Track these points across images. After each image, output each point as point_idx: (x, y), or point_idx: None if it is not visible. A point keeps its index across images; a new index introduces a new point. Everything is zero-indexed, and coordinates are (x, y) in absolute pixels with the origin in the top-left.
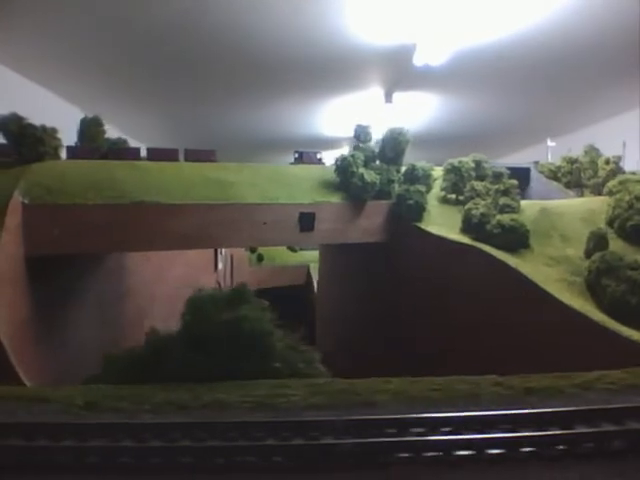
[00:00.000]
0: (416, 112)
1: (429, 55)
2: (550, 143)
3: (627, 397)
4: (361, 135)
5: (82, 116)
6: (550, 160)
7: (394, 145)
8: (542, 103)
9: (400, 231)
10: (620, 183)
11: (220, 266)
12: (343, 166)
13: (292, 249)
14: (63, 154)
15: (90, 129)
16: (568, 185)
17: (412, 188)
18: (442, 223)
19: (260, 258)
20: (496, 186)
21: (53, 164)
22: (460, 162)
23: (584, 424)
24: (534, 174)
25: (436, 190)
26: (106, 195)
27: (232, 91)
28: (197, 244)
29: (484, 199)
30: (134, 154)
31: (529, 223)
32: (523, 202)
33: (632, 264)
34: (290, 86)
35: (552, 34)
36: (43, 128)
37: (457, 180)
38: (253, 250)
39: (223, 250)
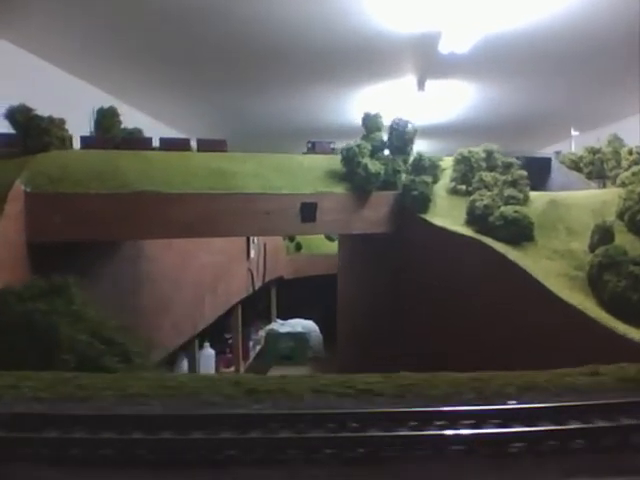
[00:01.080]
0: (450, 100)
1: (455, 42)
2: (574, 132)
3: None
4: (369, 124)
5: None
6: (574, 150)
7: (401, 134)
8: (578, 93)
9: (405, 222)
10: (633, 174)
11: (252, 254)
12: (349, 156)
13: (330, 238)
14: (77, 144)
15: (106, 119)
16: (590, 176)
17: (417, 179)
18: (448, 215)
19: (298, 247)
20: (504, 177)
21: (58, 154)
22: (470, 152)
23: None
24: (555, 164)
25: (446, 181)
26: (108, 185)
27: (265, 81)
28: (197, 233)
29: (492, 190)
30: (146, 144)
31: (535, 215)
32: (533, 193)
33: (636, 259)
34: (320, 75)
35: (590, 18)
36: (50, 119)
37: (466, 171)
38: (292, 239)
39: (255, 239)
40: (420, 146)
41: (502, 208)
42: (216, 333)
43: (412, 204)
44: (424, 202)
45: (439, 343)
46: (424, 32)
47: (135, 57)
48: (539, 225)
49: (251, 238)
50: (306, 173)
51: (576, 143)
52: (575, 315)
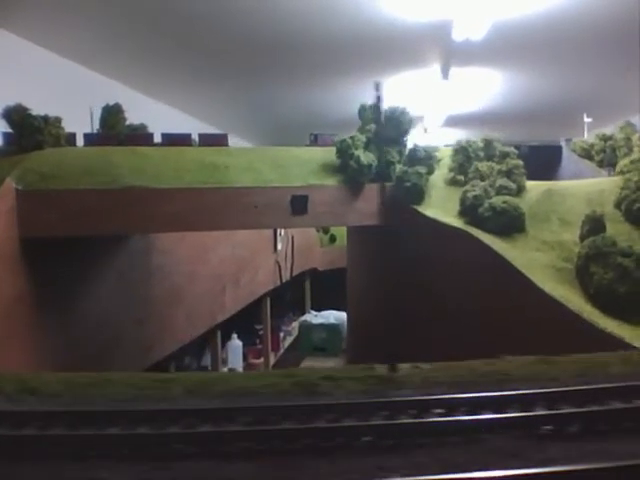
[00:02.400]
0: (476, 89)
1: (468, 29)
2: (586, 119)
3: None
4: (365, 116)
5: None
6: (586, 137)
7: (395, 125)
8: (608, 81)
9: (399, 214)
10: (632, 162)
11: (279, 247)
12: (342, 148)
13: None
14: (80, 141)
15: (111, 116)
16: (601, 164)
17: (410, 170)
18: (441, 206)
19: (333, 239)
20: (499, 167)
21: (51, 152)
22: (468, 142)
23: None
24: (566, 153)
25: (444, 171)
26: (99, 180)
27: (291, 75)
28: (186, 227)
29: (487, 180)
30: (148, 140)
31: (528, 206)
32: (530, 183)
33: (625, 250)
34: (344, 68)
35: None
36: (44, 118)
37: (464, 161)
38: (326, 231)
39: (282, 231)
40: (454, 135)
41: (492, 199)
42: (246, 324)
43: (405, 196)
44: (417, 193)
45: (424, 334)
46: (437, 20)
47: (161, 52)
48: (531, 215)
49: (278, 230)
50: (301, 166)
51: (592, 130)
52: (555, 308)
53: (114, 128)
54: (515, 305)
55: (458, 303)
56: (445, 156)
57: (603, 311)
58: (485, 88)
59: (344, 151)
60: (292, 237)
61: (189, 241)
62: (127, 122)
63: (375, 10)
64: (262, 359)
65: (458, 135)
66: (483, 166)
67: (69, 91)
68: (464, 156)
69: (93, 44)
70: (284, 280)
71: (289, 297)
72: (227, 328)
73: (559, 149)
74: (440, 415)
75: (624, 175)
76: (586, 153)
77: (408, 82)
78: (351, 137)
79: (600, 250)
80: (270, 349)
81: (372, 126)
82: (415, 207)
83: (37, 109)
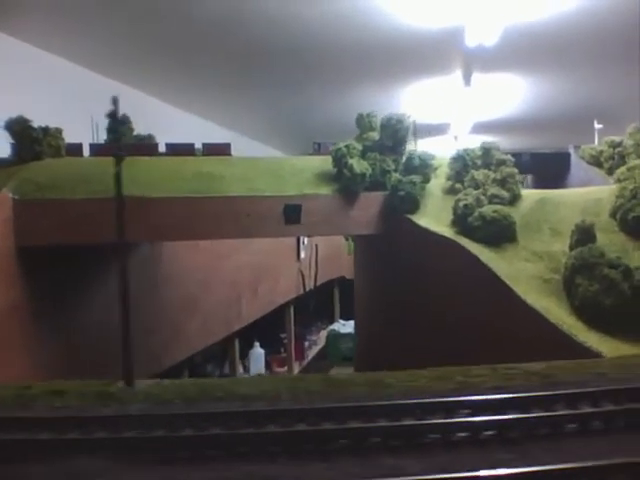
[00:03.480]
0: (501, 95)
1: (480, 35)
2: (597, 125)
3: None
4: (362, 124)
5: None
6: (597, 144)
7: (392, 133)
8: (622, 86)
9: (394, 223)
10: (629, 170)
11: (303, 255)
12: (337, 157)
13: None
14: (86, 151)
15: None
16: (610, 171)
17: (405, 179)
18: (436, 215)
19: None
20: (493, 175)
21: (49, 162)
22: (465, 150)
23: None
24: (574, 160)
25: (442, 180)
26: (94, 190)
27: (314, 83)
28: (178, 236)
29: (481, 189)
30: (152, 150)
31: (521, 215)
32: (526, 191)
33: (613, 261)
34: (364, 76)
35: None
36: (44, 129)
37: (461, 169)
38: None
39: (305, 240)
40: (476, 143)
41: (483, 208)
42: (270, 333)
43: (400, 204)
44: (411, 202)
45: (416, 341)
46: (450, 26)
47: (187, 62)
48: (524, 225)
49: (301, 239)
50: (297, 175)
51: (602, 137)
52: (536, 319)
53: (121, 138)
54: (498, 315)
55: (445, 312)
56: (443, 164)
57: (588, 324)
58: (507, 95)
59: (339, 160)
60: (316, 246)
61: (202, 250)
62: (137, 132)
63: (393, 19)
64: (286, 367)
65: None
66: (479, 174)
67: (91, 101)
68: (461, 164)
69: (127, 59)
70: (308, 289)
71: (313, 306)
72: (249, 336)
73: (567, 156)
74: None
75: (620, 183)
76: (595, 160)
77: (431, 90)
78: (346, 145)
79: (586, 261)
80: (294, 358)
81: (370, 134)
82: (409, 216)
83: (62, 120)
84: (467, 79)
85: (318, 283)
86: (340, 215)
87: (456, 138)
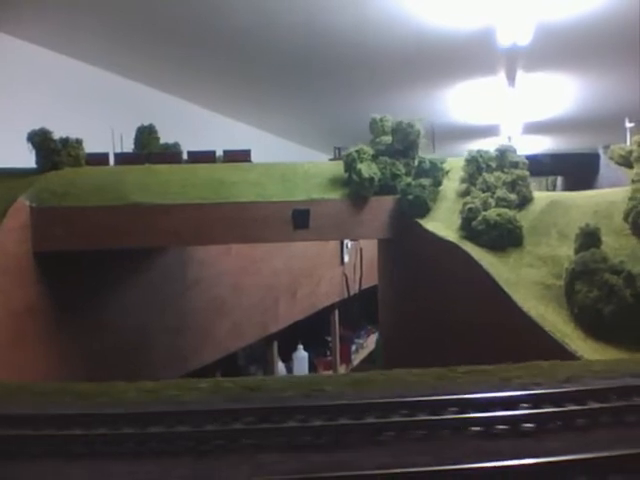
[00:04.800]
0: (546, 95)
1: (513, 34)
2: (628, 124)
3: None
4: (375, 128)
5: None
6: (629, 144)
7: (403, 137)
8: None
9: (403, 227)
10: None
11: (346, 259)
12: (348, 161)
13: None
14: (111, 160)
15: (144, 136)
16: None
17: (414, 182)
18: (446, 219)
19: None
20: (504, 177)
21: (67, 171)
22: (479, 152)
23: None
24: (604, 160)
25: (456, 183)
26: (108, 197)
27: (356, 88)
28: (189, 241)
29: (490, 192)
30: (175, 158)
31: (529, 219)
32: (537, 194)
33: (615, 266)
34: (405, 79)
35: None
36: (63, 140)
37: (474, 172)
38: None
39: (349, 243)
40: (537, 143)
41: (487, 211)
42: (316, 335)
43: (409, 209)
44: (421, 206)
45: (427, 348)
46: (482, 26)
47: (231, 72)
48: (532, 228)
49: (344, 242)
50: (308, 180)
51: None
52: (532, 327)
53: (146, 147)
54: (497, 322)
55: (451, 317)
56: (455, 167)
57: (586, 332)
58: (552, 94)
59: (349, 164)
60: (361, 249)
61: (235, 254)
62: (163, 141)
63: (420, 21)
64: (331, 370)
65: (541, 142)
66: (491, 177)
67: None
68: (475, 167)
69: (176, 71)
70: (352, 293)
71: (360, 310)
72: (293, 338)
73: (596, 157)
74: None
75: (634, 185)
76: (624, 160)
77: (475, 92)
78: (357, 150)
79: (587, 266)
80: (339, 361)
81: (383, 138)
82: (418, 220)
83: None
84: (511, 79)
85: (363, 287)
86: (349, 219)
87: (510, 139)
